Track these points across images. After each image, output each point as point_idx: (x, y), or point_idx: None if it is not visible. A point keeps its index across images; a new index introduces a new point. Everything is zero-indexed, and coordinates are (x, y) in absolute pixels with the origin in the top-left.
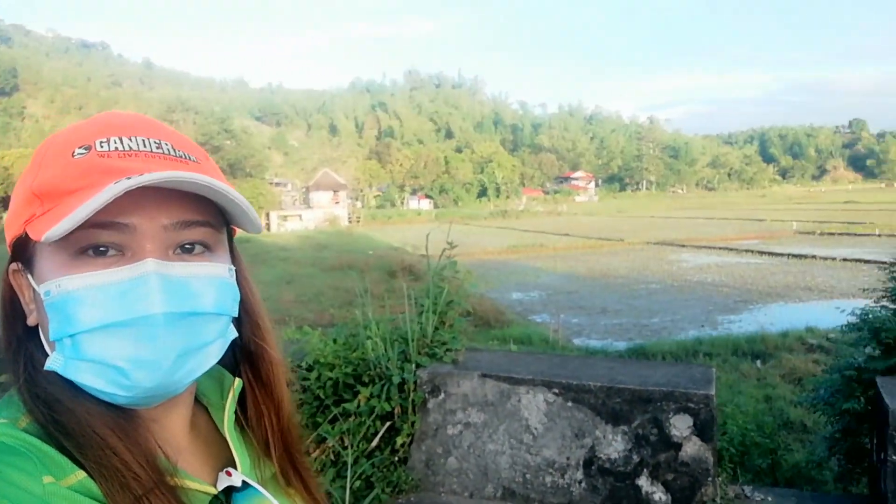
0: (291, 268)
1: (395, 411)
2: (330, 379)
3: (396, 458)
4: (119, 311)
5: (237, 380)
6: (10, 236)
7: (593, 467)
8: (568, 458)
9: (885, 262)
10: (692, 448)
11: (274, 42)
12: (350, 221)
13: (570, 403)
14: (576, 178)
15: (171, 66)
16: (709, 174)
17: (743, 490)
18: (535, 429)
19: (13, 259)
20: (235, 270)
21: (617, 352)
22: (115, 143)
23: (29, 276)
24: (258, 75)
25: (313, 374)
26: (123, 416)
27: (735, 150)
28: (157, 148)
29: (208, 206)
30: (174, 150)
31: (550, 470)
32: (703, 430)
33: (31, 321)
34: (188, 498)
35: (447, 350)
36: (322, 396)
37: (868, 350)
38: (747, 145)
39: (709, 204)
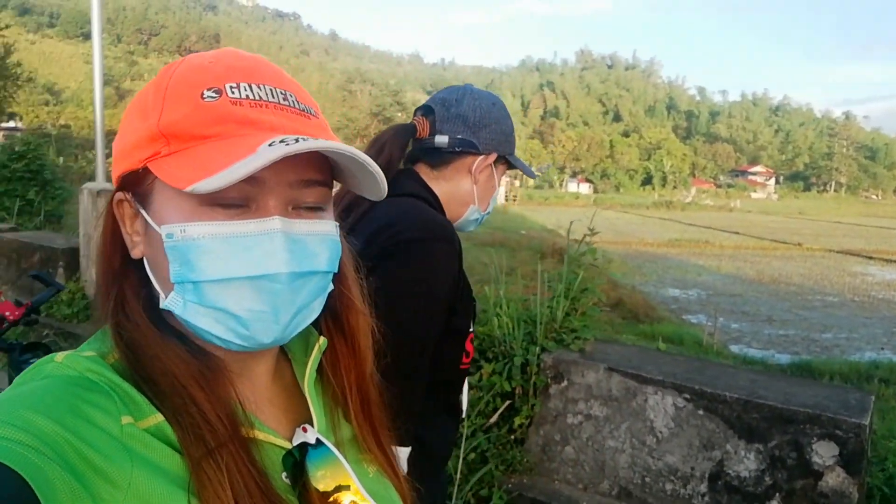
0: None
1: (516, 391)
2: None
3: (513, 438)
4: (245, 265)
5: (322, 338)
6: (122, 168)
7: (720, 482)
8: (692, 469)
9: None
10: (835, 479)
11: (449, 18)
12: (507, 199)
13: (701, 411)
14: (753, 173)
15: (354, 38)
16: None
17: None
18: (660, 432)
19: (121, 189)
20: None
21: (778, 365)
22: (246, 90)
23: (143, 211)
24: (433, 51)
25: None
26: (208, 366)
27: None
28: (284, 100)
29: (325, 163)
30: (298, 104)
31: (672, 477)
32: (849, 461)
33: (136, 253)
34: (262, 450)
35: (576, 338)
36: None
37: None
38: None
39: None
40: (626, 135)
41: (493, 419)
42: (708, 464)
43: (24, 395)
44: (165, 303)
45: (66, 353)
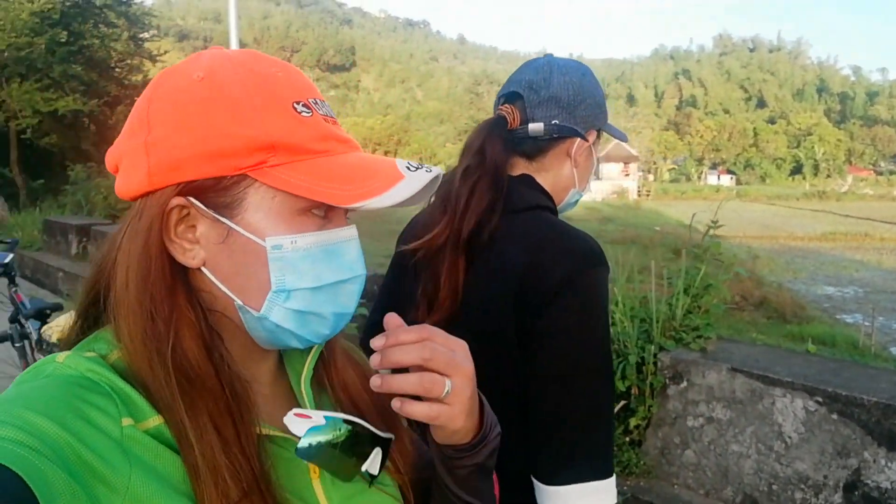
0: None
1: (632, 391)
2: None
3: (629, 440)
4: (341, 270)
5: None
6: (197, 173)
7: (857, 493)
8: (825, 477)
9: None
10: None
11: (576, 12)
12: (639, 195)
13: (834, 416)
14: None
15: (481, 41)
16: None
17: None
18: (789, 437)
19: (183, 194)
20: None
21: None
22: (322, 107)
23: (226, 220)
24: (561, 47)
25: None
26: (242, 399)
27: None
28: (335, 115)
29: None
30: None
31: (802, 486)
32: None
33: (195, 263)
34: (274, 444)
35: (697, 336)
36: None
37: None
38: None
39: None
40: (771, 121)
41: None
42: (843, 472)
43: (24, 394)
44: (261, 312)
45: (66, 353)
